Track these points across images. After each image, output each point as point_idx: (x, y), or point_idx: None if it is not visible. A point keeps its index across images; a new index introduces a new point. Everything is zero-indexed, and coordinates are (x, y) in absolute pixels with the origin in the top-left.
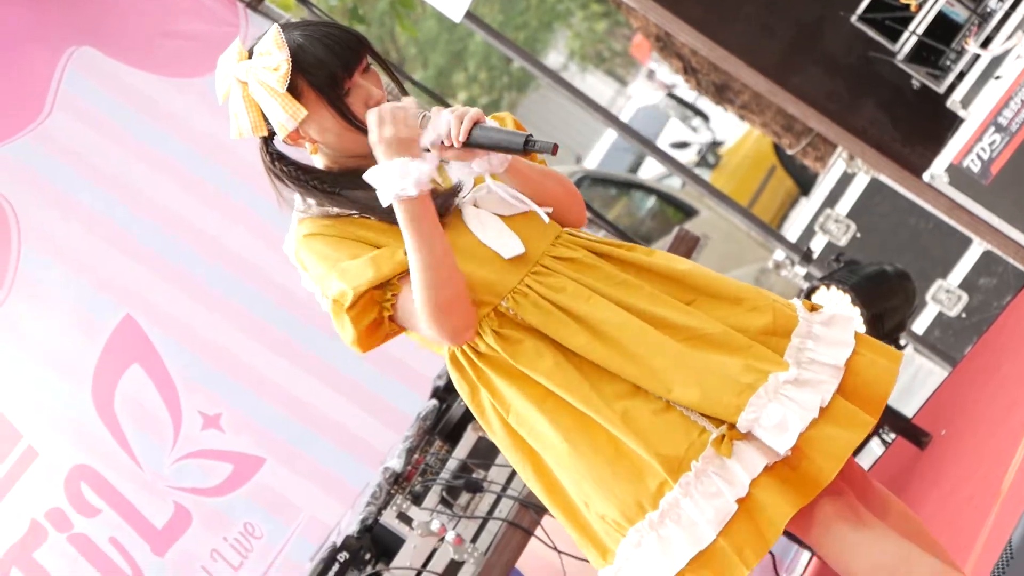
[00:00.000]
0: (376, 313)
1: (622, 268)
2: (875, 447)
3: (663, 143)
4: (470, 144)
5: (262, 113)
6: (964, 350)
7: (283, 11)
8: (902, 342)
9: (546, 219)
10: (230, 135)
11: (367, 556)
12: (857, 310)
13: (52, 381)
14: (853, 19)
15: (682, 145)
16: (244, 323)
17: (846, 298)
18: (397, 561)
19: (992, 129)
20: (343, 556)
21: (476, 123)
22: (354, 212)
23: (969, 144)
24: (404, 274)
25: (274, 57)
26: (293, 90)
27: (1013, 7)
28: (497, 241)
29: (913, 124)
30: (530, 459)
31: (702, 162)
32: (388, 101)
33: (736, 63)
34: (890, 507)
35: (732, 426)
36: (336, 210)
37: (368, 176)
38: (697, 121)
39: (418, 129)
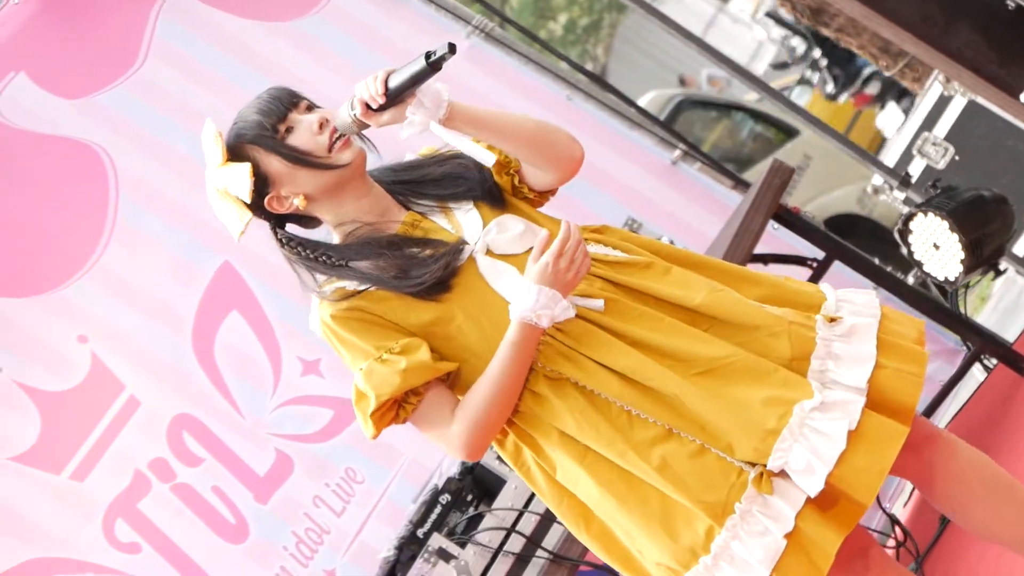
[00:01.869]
0: (394, 414)
1: (639, 300)
2: (977, 373)
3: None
4: (391, 95)
5: (236, 198)
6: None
7: None
8: (1002, 267)
9: (489, 161)
10: (234, 238)
11: (469, 497)
12: (955, 236)
13: (153, 330)
14: None
15: (782, 66)
16: None
17: (944, 224)
18: (499, 502)
19: None
20: (445, 498)
21: (389, 74)
22: (367, 286)
23: None
24: (430, 383)
25: (210, 134)
26: (241, 156)
27: None
28: (512, 294)
29: (1009, 45)
30: (580, 513)
31: (804, 80)
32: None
33: None
34: (956, 454)
35: (761, 476)
36: (351, 286)
37: (511, 285)
38: (797, 40)
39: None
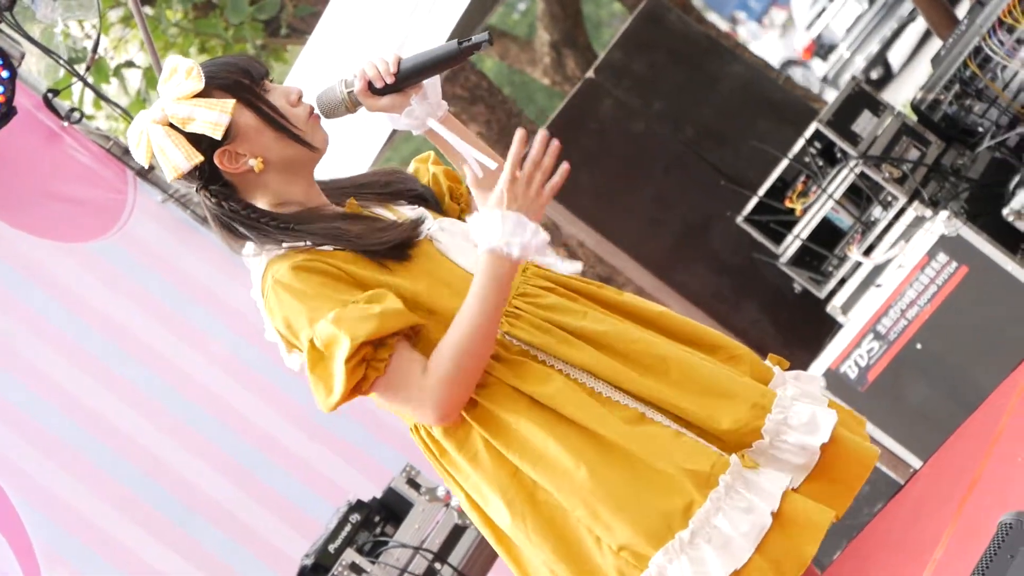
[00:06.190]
0: (363, 373)
1: (596, 306)
2: None
3: None
4: (403, 76)
5: (189, 137)
6: (833, 555)
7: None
8: None
9: (491, 166)
10: (167, 177)
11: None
12: None
13: None
14: (739, 220)
15: None
16: (114, 497)
17: None
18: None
19: (871, 336)
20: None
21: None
22: (326, 245)
23: (847, 350)
24: (403, 333)
25: (182, 68)
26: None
27: (896, 217)
28: (477, 236)
29: (793, 327)
30: (527, 509)
31: None
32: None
33: (623, 257)
34: None
35: (743, 456)
36: (306, 243)
37: (474, 220)
38: None
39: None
